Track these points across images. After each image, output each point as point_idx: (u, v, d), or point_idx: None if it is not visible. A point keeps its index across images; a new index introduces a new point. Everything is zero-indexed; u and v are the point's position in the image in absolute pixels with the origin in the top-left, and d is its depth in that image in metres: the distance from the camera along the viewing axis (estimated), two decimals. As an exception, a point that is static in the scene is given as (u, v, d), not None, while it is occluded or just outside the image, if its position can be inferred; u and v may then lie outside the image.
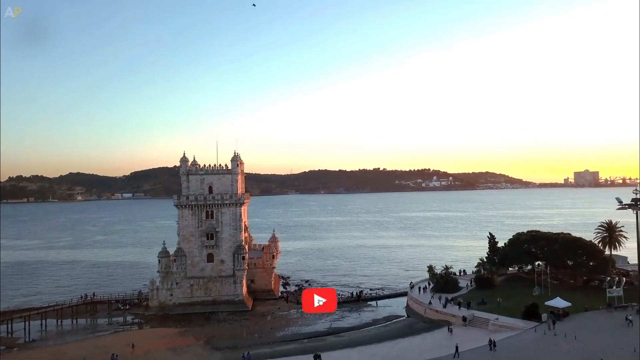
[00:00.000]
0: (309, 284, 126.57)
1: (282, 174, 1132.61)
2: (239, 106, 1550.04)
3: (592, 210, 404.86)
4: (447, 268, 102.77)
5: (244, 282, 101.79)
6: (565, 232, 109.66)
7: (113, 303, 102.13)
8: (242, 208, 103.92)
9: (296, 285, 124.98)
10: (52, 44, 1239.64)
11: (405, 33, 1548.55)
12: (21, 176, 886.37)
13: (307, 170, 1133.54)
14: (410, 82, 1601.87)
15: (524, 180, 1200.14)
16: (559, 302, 77.29)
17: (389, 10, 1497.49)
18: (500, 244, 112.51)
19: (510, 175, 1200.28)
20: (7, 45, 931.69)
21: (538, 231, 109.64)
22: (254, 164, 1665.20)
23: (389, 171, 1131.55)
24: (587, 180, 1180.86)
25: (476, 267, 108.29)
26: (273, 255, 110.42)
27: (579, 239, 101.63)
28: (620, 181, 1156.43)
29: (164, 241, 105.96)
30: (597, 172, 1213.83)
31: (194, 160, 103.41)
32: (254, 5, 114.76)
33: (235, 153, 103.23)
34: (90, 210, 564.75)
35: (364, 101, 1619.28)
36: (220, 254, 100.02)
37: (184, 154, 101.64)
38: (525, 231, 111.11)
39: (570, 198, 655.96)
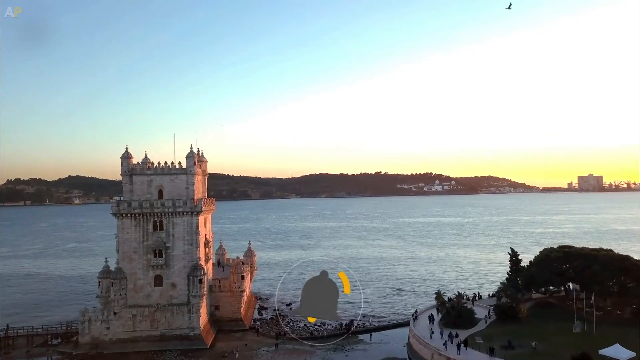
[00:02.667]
0: (290, 308, 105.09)
1: (283, 177, 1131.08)
2: (241, 109, 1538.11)
3: (603, 217, 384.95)
4: (459, 295, 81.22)
5: (203, 310, 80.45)
6: (605, 247, 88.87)
7: (35, 337, 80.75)
8: (202, 217, 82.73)
9: (274, 310, 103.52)
10: (53, 47, 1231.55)
11: (408, 37, 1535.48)
12: (19, 179, 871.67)
13: (308, 174, 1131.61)
14: (412, 85, 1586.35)
15: (527, 184, 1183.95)
16: (619, 352, 55.91)
17: (391, 14, 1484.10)
18: (516, 257, 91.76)
19: (513, 180, 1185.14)
20: (7, 47, 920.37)
21: (571, 247, 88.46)
22: (254, 168, 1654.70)
23: (390, 175, 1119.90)
24: (591, 184, 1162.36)
25: (497, 292, 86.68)
26: (243, 276, 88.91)
27: (626, 258, 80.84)
28: (625, 186, 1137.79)
29: (106, 258, 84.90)
30: (601, 177, 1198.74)
31: (146, 157, 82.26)
32: (509, 7, 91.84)
33: (191, 148, 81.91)
34: (82, 214, 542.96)
35: (365, 105, 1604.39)
36: (171, 276, 78.76)
37: (127, 148, 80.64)
38: (555, 247, 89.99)
39: (576, 203, 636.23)
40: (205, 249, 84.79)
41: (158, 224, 78.77)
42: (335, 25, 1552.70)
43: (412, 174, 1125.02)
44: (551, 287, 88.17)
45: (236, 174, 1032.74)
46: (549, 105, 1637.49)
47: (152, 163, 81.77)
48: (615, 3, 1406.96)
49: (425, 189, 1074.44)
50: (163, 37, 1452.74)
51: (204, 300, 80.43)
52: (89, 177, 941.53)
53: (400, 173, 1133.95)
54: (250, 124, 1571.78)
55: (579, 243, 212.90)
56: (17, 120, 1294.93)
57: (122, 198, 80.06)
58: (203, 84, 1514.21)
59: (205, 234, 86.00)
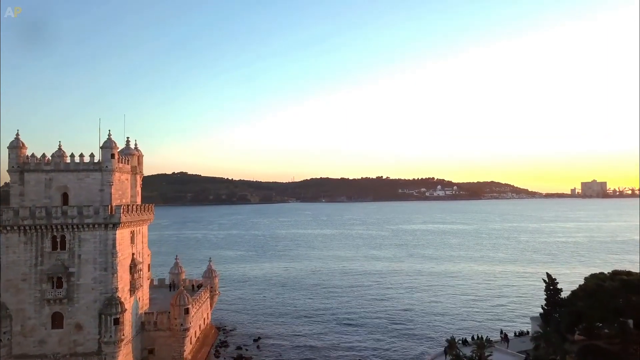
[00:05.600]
0: (258, 346, 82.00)
1: (284, 181, 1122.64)
2: (241, 113, 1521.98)
3: (614, 224, 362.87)
4: (481, 342, 58.16)
5: (123, 361, 57.75)
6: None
7: None
8: (126, 231, 60.12)
9: (237, 348, 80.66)
10: (54, 49, 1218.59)
11: (409, 42, 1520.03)
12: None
13: (308, 178, 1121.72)
14: (414, 89, 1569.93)
15: (529, 190, 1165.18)
16: None
17: (394, 19, 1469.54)
18: (555, 286, 68.84)
19: (515, 185, 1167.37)
20: (8, 49, 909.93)
21: (631, 272, 65.59)
22: (255, 172, 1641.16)
23: (392, 180, 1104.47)
24: (594, 191, 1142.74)
25: (533, 337, 63.51)
26: (187, 309, 66.09)
27: None
28: (630, 192, 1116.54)
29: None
30: (605, 183, 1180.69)
31: (60, 149, 59.86)
32: None
33: (109, 135, 59.20)
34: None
35: (367, 109, 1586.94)
36: (76, 314, 56.09)
37: (17, 133, 58.24)
38: (607, 272, 67.10)
39: (582, 209, 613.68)
40: (132, 274, 62.13)
41: (58, 240, 56.20)
42: (336, 29, 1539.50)
43: (413, 179, 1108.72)
44: (601, 326, 65.41)
45: (236, 178, 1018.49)
46: (552, 111, 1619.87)
47: (67, 157, 59.34)
48: (618, 10, 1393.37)
49: (427, 194, 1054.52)
50: (163, 40, 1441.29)
51: (125, 347, 57.69)
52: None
53: (402, 178, 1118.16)
54: (250, 128, 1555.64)
55: (597, 256, 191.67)
56: (17, 122, 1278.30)
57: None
58: (204, 88, 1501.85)
59: (134, 254, 63.27)
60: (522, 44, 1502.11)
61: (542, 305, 68.25)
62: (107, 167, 58.04)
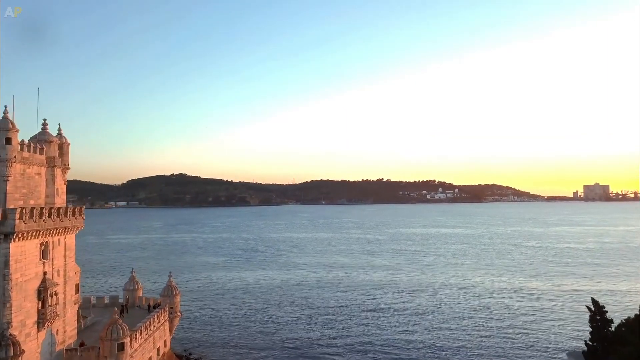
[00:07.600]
0: (224, 382, 66.53)
1: (284, 183, 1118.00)
2: (241, 115, 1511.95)
3: (623, 229, 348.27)
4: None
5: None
6: None
7: None
8: (32, 243, 44.52)
9: (198, 385, 65.26)
10: (54, 50, 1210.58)
11: (411, 44, 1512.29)
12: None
13: (308, 180, 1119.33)
14: (415, 91, 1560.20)
15: (531, 193, 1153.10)
16: None
17: (394, 22, 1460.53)
18: (602, 316, 53.04)
19: (517, 188, 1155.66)
20: (9, 49, 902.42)
21: None
22: (255, 174, 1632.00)
23: (392, 182, 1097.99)
24: (597, 194, 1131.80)
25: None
26: (122, 344, 50.42)
27: None
28: (632, 195, 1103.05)
29: None
30: (608, 186, 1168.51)
31: None
32: None
33: (5, 111, 43.69)
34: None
35: (368, 111, 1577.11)
36: (-50, 359, 40.62)
37: None
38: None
39: (586, 213, 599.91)
40: (42, 300, 46.43)
41: None
42: (336, 31, 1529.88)
43: (414, 181, 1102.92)
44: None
45: (236, 180, 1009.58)
46: (554, 113, 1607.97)
47: None
48: (618, 12, 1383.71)
49: (428, 196, 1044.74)
50: (164, 43, 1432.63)
51: (23, 401, 42.11)
52: (86, 181, 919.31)
53: (403, 180, 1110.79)
54: (251, 129, 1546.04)
55: (615, 265, 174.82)
56: (16, 122, 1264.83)
57: None
58: (204, 90, 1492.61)
59: (46, 273, 47.61)
60: (524, 45, 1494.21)
61: (585, 341, 52.56)
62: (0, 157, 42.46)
